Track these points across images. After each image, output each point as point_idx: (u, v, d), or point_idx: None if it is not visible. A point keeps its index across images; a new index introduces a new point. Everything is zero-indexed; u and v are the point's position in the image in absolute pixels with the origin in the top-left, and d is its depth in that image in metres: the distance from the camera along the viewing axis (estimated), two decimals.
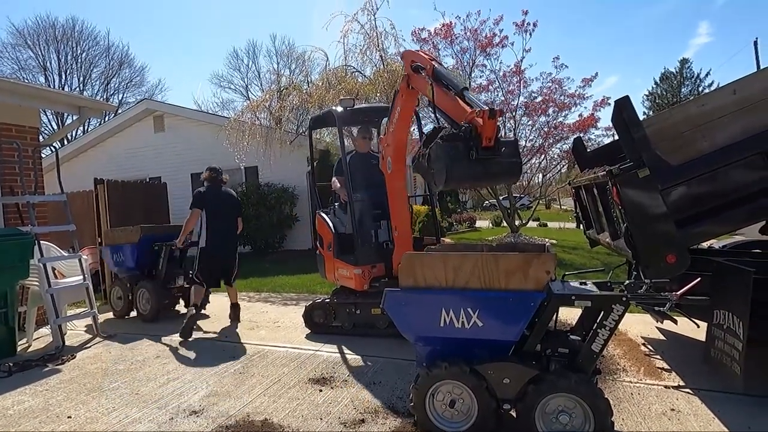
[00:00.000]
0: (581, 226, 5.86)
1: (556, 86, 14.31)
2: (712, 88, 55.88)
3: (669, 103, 58.65)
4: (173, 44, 59.56)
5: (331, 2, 49.22)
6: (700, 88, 57.94)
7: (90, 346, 5.11)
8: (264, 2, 59.41)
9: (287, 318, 6.02)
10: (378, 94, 8.91)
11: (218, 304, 7.13)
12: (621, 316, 2.67)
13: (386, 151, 4.48)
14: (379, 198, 5.10)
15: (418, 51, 3.90)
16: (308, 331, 5.30)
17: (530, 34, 13.78)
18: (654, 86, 58.42)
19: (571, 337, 3.08)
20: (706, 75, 54.28)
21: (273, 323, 5.81)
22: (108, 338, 5.36)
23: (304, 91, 9.92)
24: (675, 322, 3.81)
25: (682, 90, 59.87)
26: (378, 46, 9.94)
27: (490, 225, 23.10)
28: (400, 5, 29.17)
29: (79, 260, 5.42)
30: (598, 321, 2.72)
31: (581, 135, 14.61)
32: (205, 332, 5.55)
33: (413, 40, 13.34)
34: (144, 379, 4.04)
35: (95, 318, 5.44)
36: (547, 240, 15.23)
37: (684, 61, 57.05)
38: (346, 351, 4.59)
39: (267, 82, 39.59)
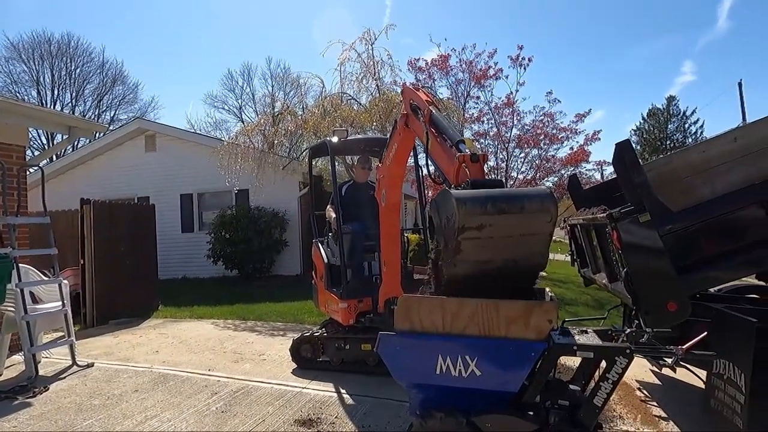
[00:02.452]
0: (576, 264, 5.80)
1: (548, 119, 14.49)
2: (698, 126, 57.39)
3: (656, 138, 60.05)
4: (168, 63, 59.85)
5: (329, 28, 50.09)
6: (686, 125, 59.35)
7: (65, 377, 4.87)
8: (260, 25, 60.20)
9: (273, 350, 5.83)
10: (374, 123, 8.91)
11: (201, 332, 6.92)
12: (625, 369, 2.57)
13: (381, 183, 4.35)
14: (374, 230, 4.99)
15: (417, 90, 3.75)
16: (295, 365, 5.11)
17: (525, 68, 14.00)
18: (642, 122, 59.64)
19: (571, 387, 2.97)
20: (692, 113, 55.57)
21: (258, 356, 5.61)
22: (85, 368, 5.12)
23: (299, 117, 9.89)
24: (674, 370, 3.72)
25: (669, 126, 61.29)
26: (374, 75, 9.99)
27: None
28: (393, 34, 29.63)
29: (59, 285, 5.22)
30: (600, 374, 2.62)
31: (572, 168, 14.76)
32: (187, 364, 5.33)
33: (409, 69, 13.49)
34: (120, 417, 3.83)
35: (72, 346, 5.21)
36: None
37: (671, 99, 58.40)
38: (334, 389, 4.41)
39: (261, 104, 39.83)
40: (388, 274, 4.42)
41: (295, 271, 12.41)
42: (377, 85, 10.33)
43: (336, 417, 3.81)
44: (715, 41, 69.61)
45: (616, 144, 3.57)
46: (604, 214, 3.55)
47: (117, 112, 35.22)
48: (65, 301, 5.25)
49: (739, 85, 24.36)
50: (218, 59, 62.23)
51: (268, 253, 12.07)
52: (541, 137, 14.34)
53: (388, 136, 4.28)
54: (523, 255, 2.64)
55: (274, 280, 11.96)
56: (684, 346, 2.54)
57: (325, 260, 5.11)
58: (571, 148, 14.80)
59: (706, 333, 2.63)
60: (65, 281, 5.46)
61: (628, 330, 3.04)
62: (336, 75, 10.36)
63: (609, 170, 16.44)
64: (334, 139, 5.12)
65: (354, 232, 4.95)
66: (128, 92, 35.87)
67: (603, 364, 2.75)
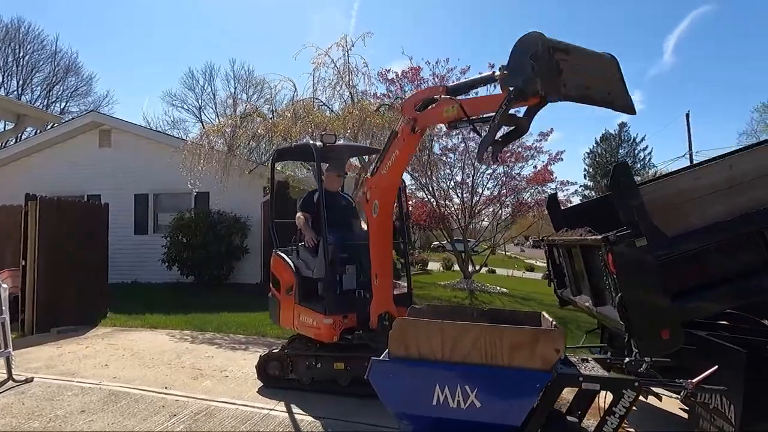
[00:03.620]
0: (551, 284, 5.74)
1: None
2: (646, 152, 60.30)
3: (608, 162, 62.67)
4: (126, 57, 57.64)
5: (301, 32, 49.58)
6: (636, 151, 62.35)
7: (0, 393, 4.35)
8: (224, 25, 59.01)
9: (236, 366, 5.44)
10: (348, 131, 8.68)
11: (155, 344, 6.43)
12: (633, 403, 2.44)
13: (372, 194, 4.15)
14: (349, 241, 4.83)
15: (418, 92, 3.82)
16: (260, 383, 4.77)
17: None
18: (594, 145, 62.20)
19: (569, 418, 2.82)
20: (642, 139, 58.46)
21: (220, 372, 5.22)
22: (23, 383, 4.59)
23: (269, 120, 9.53)
24: (659, 399, 3.65)
25: (620, 151, 64.23)
26: (349, 82, 9.78)
27: (441, 268, 23.09)
28: (359, 43, 29.55)
29: None
30: (607, 408, 2.48)
31: (537, 187, 15.01)
32: (141, 381, 4.88)
33: (379, 80, 13.33)
34: None
35: (9, 359, 4.67)
36: (499, 288, 15.29)
37: (622, 125, 61.22)
38: (303, 411, 4.11)
39: (223, 106, 38.89)
40: (381, 288, 4.22)
41: (255, 279, 11.91)
42: (351, 93, 10.14)
43: None
44: (662, 74, 74.15)
45: (613, 166, 3.50)
46: (599, 237, 3.46)
47: (68, 104, 33.45)
48: (3, 308, 4.72)
49: (687, 116, 25.66)
50: (179, 56, 60.42)
51: (227, 259, 11.55)
52: (507, 154, 14.48)
53: (384, 146, 4.09)
54: (615, 91, 2.90)
55: (232, 288, 11.43)
56: (695, 380, 2.44)
57: (296, 272, 4.80)
58: (535, 167, 15.09)
59: (716, 367, 2.53)
60: (4, 285, 4.92)
61: (627, 359, 2.93)
62: (308, 79, 10.08)
63: (570, 189, 16.88)
64: (319, 144, 4.86)
65: (335, 243, 4.68)
66: (81, 84, 34.17)
67: (603, 395, 2.62)
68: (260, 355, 4.85)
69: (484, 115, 3.31)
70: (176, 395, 4.41)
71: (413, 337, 2.53)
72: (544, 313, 3.04)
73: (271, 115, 9.91)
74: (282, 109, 9.90)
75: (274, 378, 4.75)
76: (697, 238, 3.33)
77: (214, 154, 10.13)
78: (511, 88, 2.90)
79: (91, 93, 34.91)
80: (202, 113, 39.76)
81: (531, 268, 28.52)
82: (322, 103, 10.15)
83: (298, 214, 5.02)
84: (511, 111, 3.09)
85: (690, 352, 3.38)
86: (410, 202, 16.69)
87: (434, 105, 3.54)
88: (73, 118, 16.75)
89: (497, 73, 3.13)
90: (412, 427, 2.62)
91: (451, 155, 14.70)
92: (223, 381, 4.92)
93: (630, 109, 3.14)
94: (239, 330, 7.37)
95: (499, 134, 3.17)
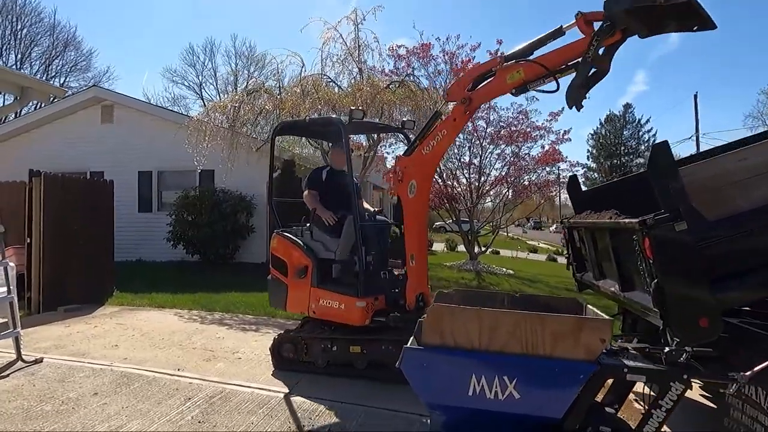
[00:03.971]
0: (571, 267, 5.60)
1: (523, 117, 14.40)
2: (651, 134, 59.77)
3: (611, 143, 62.25)
4: (126, 32, 56.71)
5: (305, 7, 48.64)
6: (640, 133, 61.78)
7: (8, 375, 4.25)
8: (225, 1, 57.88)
9: (248, 347, 5.35)
10: (359, 108, 8.43)
11: (164, 324, 6.33)
12: (681, 396, 2.31)
13: (408, 173, 4.07)
14: (360, 221, 4.67)
15: (468, 72, 3.95)
16: (273, 366, 4.67)
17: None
18: (599, 126, 61.59)
19: (607, 409, 2.70)
20: (647, 121, 57.86)
21: (232, 353, 5.12)
22: (33, 364, 4.49)
23: (276, 96, 9.29)
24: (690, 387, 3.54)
25: (624, 133, 63.65)
26: (359, 58, 9.51)
27: (445, 249, 23.00)
28: (371, 19, 29.01)
29: (5, 269, 4.56)
30: (652, 401, 2.35)
31: (548, 168, 14.81)
32: (153, 362, 4.79)
33: (389, 55, 12.99)
34: (78, 427, 3.30)
35: (17, 339, 4.56)
36: (505, 269, 15.20)
37: (627, 106, 60.55)
38: (321, 396, 4.01)
39: (224, 82, 38.39)
40: (417, 269, 4.17)
41: (261, 259, 11.78)
42: (360, 69, 9.87)
43: (329, 430, 3.42)
44: (668, 54, 73.17)
45: (652, 146, 3.33)
46: (635, 220, 3.30)
47: (68, 79, 32.98)
48: (11, 287, 4.60)
49: (695, 97, 25.30)
50: (180, 32, 59.47)
51: (233, 238, 11.43)
52: (516, 135, 14.24)
53: (425, 126, 4.18)
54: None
55: (238, 267, 11.33)
56: (747, 373, 2.31)
57: (308, 254, 4.60)
58: (542, 147, 14.86)
59: None
60: (11, 264, 4.78)
61: (668, 349, 2.80)
62: (316, 54, 9.82)
63: (579, 171, 16.64)
64: (346, 118, 4.71)
65: (363, 224, 4.59)
66: (81, 59, 33.65)
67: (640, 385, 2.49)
68: (274, 338, 4.74)
69: (548, 73, 3.43)
70: (190, 377, 4.32)
71: (449, 325, 2.39)
72: (582, 299, 2.90)
73: (278, 92, 9.66)
74: (290, 85, 9.63)
75: (289, 361, 4.64)
76: (740, 222, 3.18)
77: (220, 131, 9.91)
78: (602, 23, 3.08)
79: (90, 68, 34.44)
80: (202, 90, 39.32)
81: (534, 250, 28.48)
82: (330, 80, 9.90)
83: (306, 192, 4.84)
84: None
85: (722, 339, 3.27)
86: None
87: (492, 78, 3.61)
88: (73, 94, 16.44)
89: (564, 25, 3.33)
90: (445, 418, 2.51)
91: (460, 135, 14.46)
92: (236, 363, 4.82)
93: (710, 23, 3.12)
94: (248, 310, 7.27)
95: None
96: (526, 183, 15.03)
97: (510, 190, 15.00)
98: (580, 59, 3.24)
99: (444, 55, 13.75)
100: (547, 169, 14.70)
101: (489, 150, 14.44)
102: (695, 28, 3.17)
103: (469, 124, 14.35)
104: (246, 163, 10.73)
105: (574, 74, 3.32)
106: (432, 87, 14.25)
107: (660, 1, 2.89)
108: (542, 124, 14.42)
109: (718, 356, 2.83)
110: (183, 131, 10.34)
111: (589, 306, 2.83)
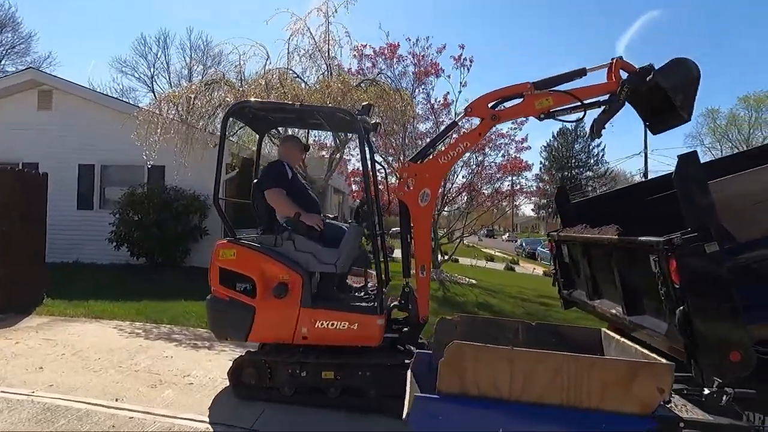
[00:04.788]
0: (557, 284, 5.26)
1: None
2: (600, 148, 62.26)
3: (563, 156, 64.29)
4: (72, 16, 53.45)
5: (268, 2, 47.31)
6: (590, 147, 64.22)
7: None
8: None
9: (201, 370, 4.67)
10: (329, 104, 7.89)
11: (102, 339, 5.52)
12: None
13: (420, 181, 3.95)
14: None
15: (494, 92, 3.95)
16: (232, 393, 4.04)
17: (468, 69, 13.57)
18: (552, 139, 63.53)
19: None
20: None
21: (183, 377, 4.44)
22: None
23: (238, 89, 8.59)
24: None
25: (575, 146, 66.00)
26: (328, 53, 8.96)
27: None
28: (343, 12, 28.33)
29: None
30: None
31: (512, 176, 14.71)
32: (85, 390, 4.05)
33: (354, 56, 12.46)
34: None
35: None
36: (467, 278, 14.94)
37: (579, 119, 62.62)
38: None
39: (177, 76, 36.77)
40: (427, 280, 4.04)
41: None
42: (329, 65, 9.32)
43: None
44: None
45: (679, 156, 2.97)
46: (659, 239, 2.94)
47: (3, 62, 30.55)
48: None
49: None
50: (131, 20, 56.69)
51: (184, 240, 10.53)
52: (483, 141, 14.02)
53: (440, 134, 4.51)
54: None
55: (189, 272, 10.45)
56: None
57: (293, 268, 3.98)
58: (503, 156, 14.75)
59: None
60: None
61: (708, 391, 2.43)
62: (281, 47, 9.21)
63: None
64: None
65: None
66: (19, 41, 31.32)
67: None
68: (234, 360, 4.11)
69: (569, 106, 3.89)
70: (130, 410, 3.62)
71: (472, 368, 1.91)
72: (605, 330, 2.50)
73: (239, 84, 8.95)
74: (253, 78, 8.94)
75: (250, 387, 4.03)
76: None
77: (173, 124, 9.10)
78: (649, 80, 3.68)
79: (29, 52, 32.17)
80: (154, 83, 37.52)
81: (491, 258, 28.59)
82: (296, 75, 9.29)
83: (272, 191, 4.16)
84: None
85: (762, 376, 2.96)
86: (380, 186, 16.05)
87: (522, 100, 3.87)
88: (7, 76, 14.99)
89: (588, 68, 3.90)
90: None
91: (422, 141, 14.13)
92: (187, 391, 4.15)
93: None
94: (200, 322, 6.52)
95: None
96: (489, 191, 14.94)
97: (474, 199, 14.82)
98: (605, 96, 3.83)
99: (413, 57, 13.40)
100: (511, 178, 14.59)
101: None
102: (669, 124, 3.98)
103: (434, 128, 14.13)
104: (201, 160, 9.90)
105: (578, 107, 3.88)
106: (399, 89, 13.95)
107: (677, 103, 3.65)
108: (506, 131, 14.34)
109: (764, 398, 2.49)
110: (131, 122, 9.45)
111: (617, 337, 2.41)
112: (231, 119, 5.07)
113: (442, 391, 1.93)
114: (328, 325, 3.95)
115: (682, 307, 2.84)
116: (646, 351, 2.17)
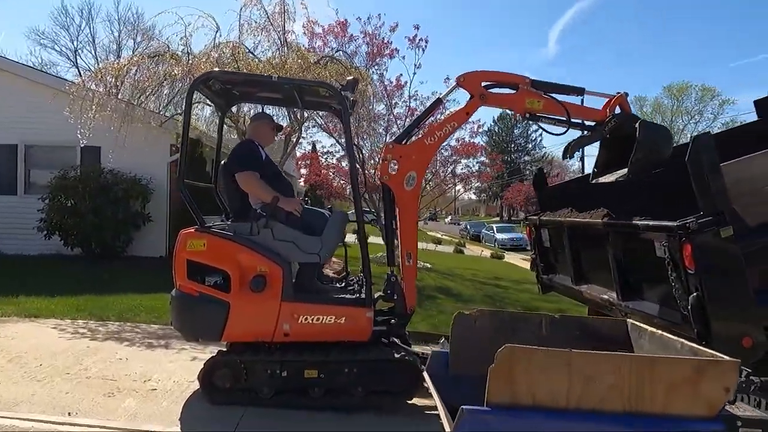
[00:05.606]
0: (536, 269, 5.20)
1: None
2: (537, 133, 64.71)
3: (503, 140, 66.19)
4: None
5: None
6: (529, 132, 66.50)
7: None
8: None
9: (162, 372, 4.21)
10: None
11: (42, 341, 4.88)
12: None
13: (405, 163, 3.72)
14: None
15: (492, 72, 3.85)
16: (202, 397, 3.65)
17: (422, 50, 13.28)
18: (492, 123, 65.17)
19: None
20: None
21: (143, 382, 3.97)
22: None
23: (185, 63, 7.88)
24: None
25: (515, 131, 68.10)
26: (283, 27, 8.42)
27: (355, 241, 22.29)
28: None
29: None
30: None
31: (468, 159, 14.73)
32: (29, 403, 3.51)
33: (304, 33, 11.86)
34: None
35: None
36: (421, 263, 14.90)
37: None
38: None
39: (104, 50, 34.22)
40: (414, 268, 3.81)
41: (159, 252, 10.24)
42: (284, 40, 8.77)
43: None
44: (547, 62, 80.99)
45: (693, 138, 2.88)
46: (674, 224, 2.84)
47: None
48: None
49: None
50: None
51: (124, 228, 9.69)
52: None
53: (423, 113, 4.31)
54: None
55: (132, 262, 9.68)
56: None
57: (272, 258, 3.60)
58: (457, 140, 14.73)
59: None
60: None
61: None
62: (233, 19, 8.55)
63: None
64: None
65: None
66: None
67: None
68: (205, 362, 3.69)
69: (557, 117, 3.78)
70: (88, 426, 3.15)
71: (524, 374, 1.69)
72: (631, 321, 2.36)
73: (186, 58, 8.23)
74: (201, 51, 8.24)
75: (225, 391, 3.63)
76: None
77: (110, 101, 8.26)
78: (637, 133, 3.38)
79: None
80: (78, 57, 34.70)
81: (439, 241, 28.92)
82: (247, 50, 8.67)
83: (246, 174, 3.73)
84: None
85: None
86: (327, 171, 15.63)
87: (516, 92, 3.77)
88: None
89: (587, 90, 3.86)
90: None
91: (381, 122, 13.82)
92: (151, 398, 3.69)
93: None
94: (151, 318, 5.99)
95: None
96: (443, 175, 14.90)
97: (431, 181, 14.73)
98: (591, 123, 3.77)
99: (365, 37, 12.94)
100: (464, 161, 14.62)
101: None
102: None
103: (384, 110, 13.84)
104: (143, 140, 9.11)
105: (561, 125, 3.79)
106: (347, 70, 13.49)
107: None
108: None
109: None
110: (61, 98, 8.51)
111: (649, 329, 2.28)
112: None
113: (492, 402, 1.70)
114: (312, 320, 3.64)
115: (695, 293, 2.79)
116: (693, 344, 2.03)
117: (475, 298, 9.51)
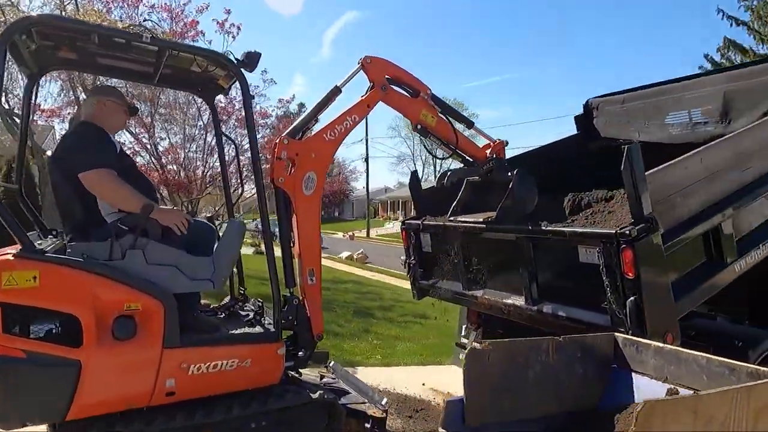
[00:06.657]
0: (412, 274, 5.02)
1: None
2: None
3: None
4: None
5: None
6: None
7: None
8: None
9: None
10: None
11: None
12: None
13: (303, 162, 3.16)
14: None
15: (396, 67, 3.56)
16: None
17: (234, 37, 12.02)
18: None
19: None
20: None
21: None
22: None
23: None
24: None
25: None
26: None
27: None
28: None
29: None
30: None
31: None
32: None
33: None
34: None
35: None
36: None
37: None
38: None
39: None
40: (318, 288, 3.27)
41: None
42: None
43: None
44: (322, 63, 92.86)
45: (627, 147, 3.00)
46: (609, 231, 2.91)
47: None
48: None
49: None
50: None
51: None
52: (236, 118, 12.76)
53: (320, 103, 3.46)
54: None
55: None
56: None
57: (148, 291, 2.54)
58: (263, 137, 13.94)
59: None
60: None
61: None
62: None
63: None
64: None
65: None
66: None
67: None
68: None
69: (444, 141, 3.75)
70: None
71: (660, 426, 1.39)
72: (621, 335, 2.30)
73: None
74: None
75: None
76: (684, 230, 3.18)
77: None
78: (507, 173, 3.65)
79: None
80: None
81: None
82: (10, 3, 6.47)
83: (97, 173, 2.66)
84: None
85: None
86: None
87: (416, 98, 3.60)
88: None
89: (475, 123, 4.03)
90: None
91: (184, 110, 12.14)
92: None
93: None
94: None
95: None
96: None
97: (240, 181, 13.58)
98: (470, 159, 3.79)
99: (168, 13, 11.10)
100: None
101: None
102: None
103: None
104: None
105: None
106: None
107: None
108: (272, 111, 13.70)
109: None
110: None
111: (639, 340, 2.24)
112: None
113: None
114: (207, 368, 2.72)
115: (633, 298, 2.91)
116: (720, 358, 2.00)
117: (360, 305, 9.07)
